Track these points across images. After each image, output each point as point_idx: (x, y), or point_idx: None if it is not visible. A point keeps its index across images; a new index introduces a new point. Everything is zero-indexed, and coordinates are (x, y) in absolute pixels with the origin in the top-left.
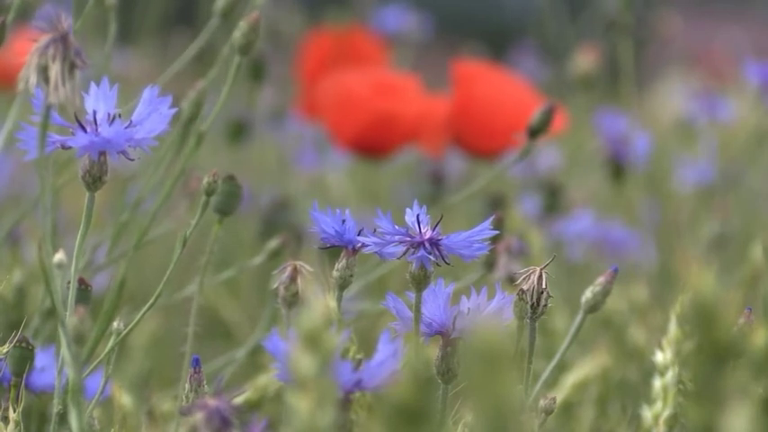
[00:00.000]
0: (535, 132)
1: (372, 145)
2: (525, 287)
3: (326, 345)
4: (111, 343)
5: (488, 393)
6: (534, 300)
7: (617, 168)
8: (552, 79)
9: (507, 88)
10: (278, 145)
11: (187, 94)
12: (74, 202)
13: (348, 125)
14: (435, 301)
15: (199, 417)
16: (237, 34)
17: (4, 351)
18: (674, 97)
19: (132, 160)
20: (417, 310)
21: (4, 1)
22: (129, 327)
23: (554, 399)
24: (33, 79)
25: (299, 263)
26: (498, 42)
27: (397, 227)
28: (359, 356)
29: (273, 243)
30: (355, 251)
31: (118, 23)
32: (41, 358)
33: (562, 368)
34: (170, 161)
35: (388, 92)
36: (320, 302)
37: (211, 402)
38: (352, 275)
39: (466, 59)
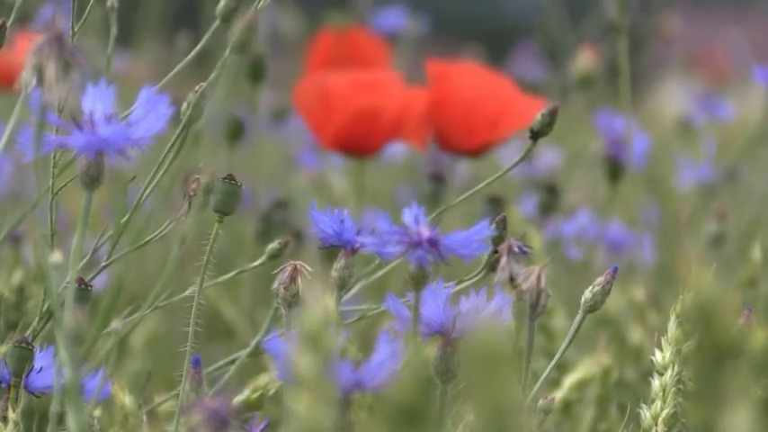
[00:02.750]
0: (537, 134)
1: (355, 142)
2: (525, 287)
3: (327, 345)
4: (109, 343)
5: (488, 394)
6: (534, 300)
7: (615, 168)
8: (552, 79)
9: (485, 86)
10: (279, 145)
11: (187, 97)
12: (75, 202)
13: (329, 123)
14: (435, 302)
15: (198, 417)
16: (234, 34)
17: (3, 351)
18: (674, 97)
19: (130, 159)
20: (416, 310)
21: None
22: (128, 329)
23: (553, 399)
24: (29, 80)
25: (299, 263)
26: (497, 43)
27: (395, 227)
28: (358, 356)
29: (274, 245)
30: (354, 251)
31: (120, 25)
32: (41, 358)
33: (562, 368)
34: (171, 163)
35: (367, 88)
36: (320, 303)
37: (211, 403)
38: (351, 275)
39: (460, 59)
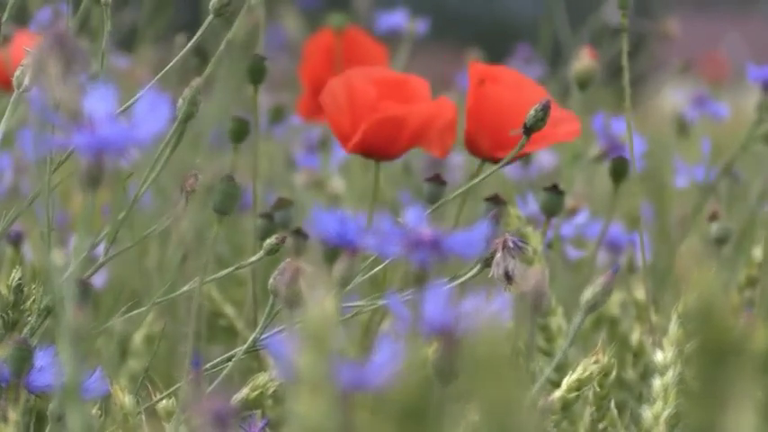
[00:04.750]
0: (530, 129)
1: (378, 147)
2: (526, 288)
3: (329, 346)
4: (113, 345)
5: (492, 394)
6: (535, 301)
7: (620, 167)
8: (551, 81)
9: (524, 93)
10: (281, 145)
11: (183, 93)
12: (77, 201)
13: (353, 127)
14: (436, 301)
15: (197, 416)
16: (237, 34)
17: (2, 352)
18: (673, 98)
19: (130, 160)
20: (417, 310)
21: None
22: (130, 329)
23: (553, 399)
24: (31, 79)
25: (300, 262)
26: (497, 44)
27: (396, 227)
28: (360, 355)
29: (271, 241)
30: (356, 252)
31: (121, 27)
32: (41, 357)
33: (561, 368)
34: (167, 159)
35: (394, 93)
36: (324, 302)
37: (211, 404)
38: (353, 276)
39: (469, 61)
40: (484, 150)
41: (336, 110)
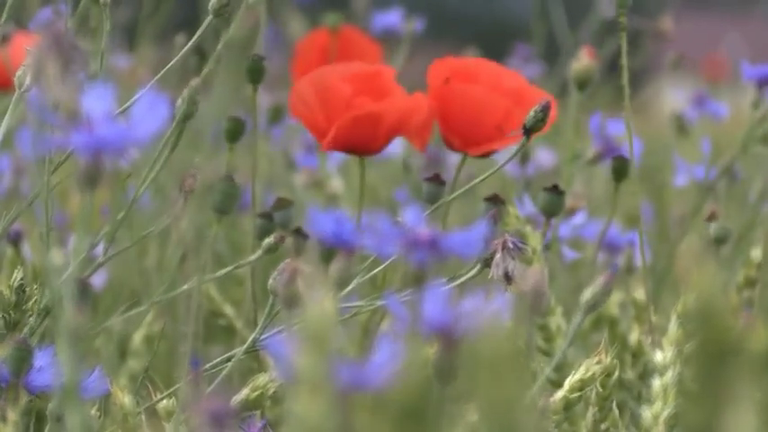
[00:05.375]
0: (530, 130)
1: (356, 143)
2: (524, 287)
3: (330, 347)
4: (112, 346)
5: (495, 395)
6: (534, 301)
7: (621, 167)
8: (550, 80)
9: (494, 81)
10: (277, 145)
11: (182, 92)
12: (76, 201)
13: (329, 124)
14: (435, 301)
15: (197, 416)
16: (234, 35)
17: (1, 353)
18: (673, 97)
19: (129, 160)
20: (416, 310)
21: None
22: (130, 329)
23: (555, 399)
24: (29, 79)
25: (299, 262)
26: (496, 44)
27: (395, 226)
28: (358, 356)
29: (269, 240)
30: (352, 251)
31: (122, 27)
32: (41, 357)
33: (561, 368)
34: (166, 159)
35: (369, 87)
36: (324, 303)
37: (210, 404)
38: (350, 275)
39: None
40: (457, 148)
41: (307, 110)
